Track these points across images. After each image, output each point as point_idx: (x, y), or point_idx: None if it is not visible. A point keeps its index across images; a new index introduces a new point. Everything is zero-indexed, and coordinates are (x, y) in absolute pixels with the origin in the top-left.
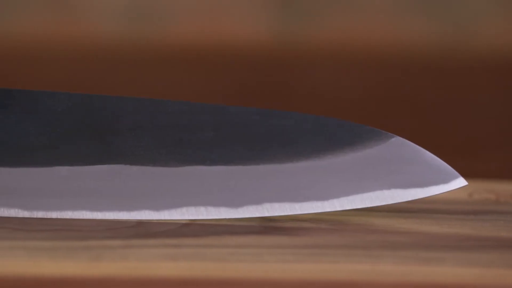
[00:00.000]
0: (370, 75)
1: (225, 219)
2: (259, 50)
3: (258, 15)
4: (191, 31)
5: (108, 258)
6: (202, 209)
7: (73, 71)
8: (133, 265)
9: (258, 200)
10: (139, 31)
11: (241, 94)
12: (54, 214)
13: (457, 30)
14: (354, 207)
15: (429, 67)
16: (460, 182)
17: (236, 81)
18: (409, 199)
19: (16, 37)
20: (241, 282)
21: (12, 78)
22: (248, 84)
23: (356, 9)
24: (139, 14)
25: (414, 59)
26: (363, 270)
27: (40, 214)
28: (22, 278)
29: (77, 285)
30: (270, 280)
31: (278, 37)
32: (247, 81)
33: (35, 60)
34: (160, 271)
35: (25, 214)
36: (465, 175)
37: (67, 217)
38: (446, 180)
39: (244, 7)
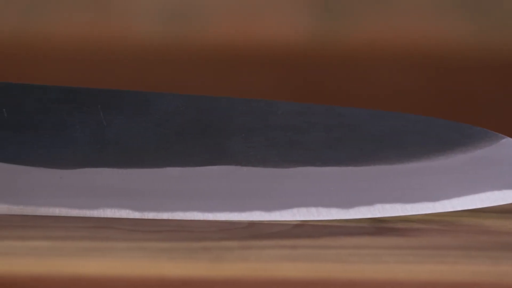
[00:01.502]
0: (411, 75)
1: (335, 220)
2: (297, 50)
3: (296, 14)
4: (229, 31)
5: (228, 259)
6: (313, 210)
7: (111, 71)
8: (253, 266)
9: (369, 201)
10: (177, 31)
11: (280, 94)
12: (165, 215)
13: (499, 29)
14: (465, 208)
15: (471, 67)
16: None
17: (274, 81)
18: None
19: (54, 37)
20: (364, 283)
21: (52, 77)
22: (287, 84)
23: (397, 9)
24: (177, 14)
25: (456, 59)
26: (484, 271)
27: (151, 215)
28: (143, 279)
29: (199, 287)
30: (393, 281)
31: (317, 36)
32: (285, 81)
33: (73, 60)
34: (281, 272)
35: (136, 215)
36: None
37: (178, 218)
38: None
39: (282, 6)
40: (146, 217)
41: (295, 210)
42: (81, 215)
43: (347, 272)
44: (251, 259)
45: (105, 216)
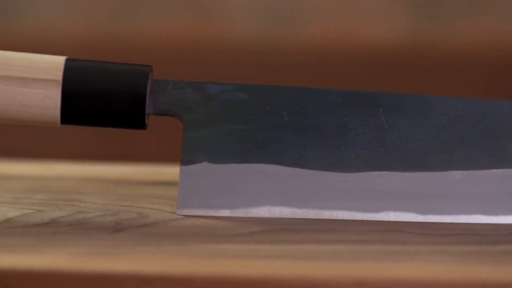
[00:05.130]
0: (507, 76)
1: None
2: (392, 50)
3: (390, 14)
4: (325, 32)
5: None
6: None
7: (209, 71)
8: None
9: None
10: (275, 32)
11: None
12: (448, 219)
13: None
14: None
15: None
16: None
17: (370, 81)
18: None
19: (154, 37)
20: None
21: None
22: (381, 84)
23: (490, 10)
24: (275, 15)
25: None
26: None
27: (435, 218)
28: (453, 282)
29: None
30: None
31: (411, 37)
32: (380, 81)
33: (172, 60)
34: None
35: (420, 218)
36: None
37: (461, 221)
38: None
39: (377, 7)
40: (429, 221)
41: None
42: (365, 219)
43: None
44: None
45: (388, 219)
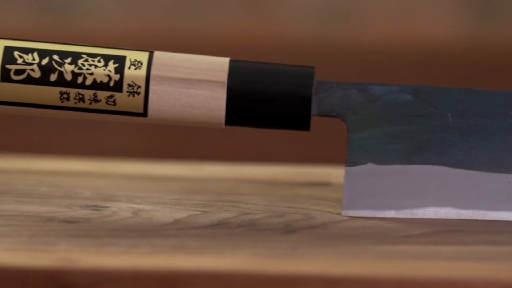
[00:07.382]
0: None
1: None
2: (453, 49)
3: (449, 14)
4: (382, 31)
5: None
6: None
7: None
8: None
9: None
10: (333, 31)
11: None
12: None
13: None
14: None
15: None
16: None
17: (428, 81)
18: None
19: (212, 36)
20: None
21: None
22: (444, 83)
23: None
24: (333, 14)
25: None
26: None
27: None
28: None
29: None
30: None
31: (470, 36)
32: (439, 81)
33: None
34: None
35: None
36: None
37: None
38: None
39: (435, 6)
40: None
41: None
42: None
43: None
44: None
45: None
